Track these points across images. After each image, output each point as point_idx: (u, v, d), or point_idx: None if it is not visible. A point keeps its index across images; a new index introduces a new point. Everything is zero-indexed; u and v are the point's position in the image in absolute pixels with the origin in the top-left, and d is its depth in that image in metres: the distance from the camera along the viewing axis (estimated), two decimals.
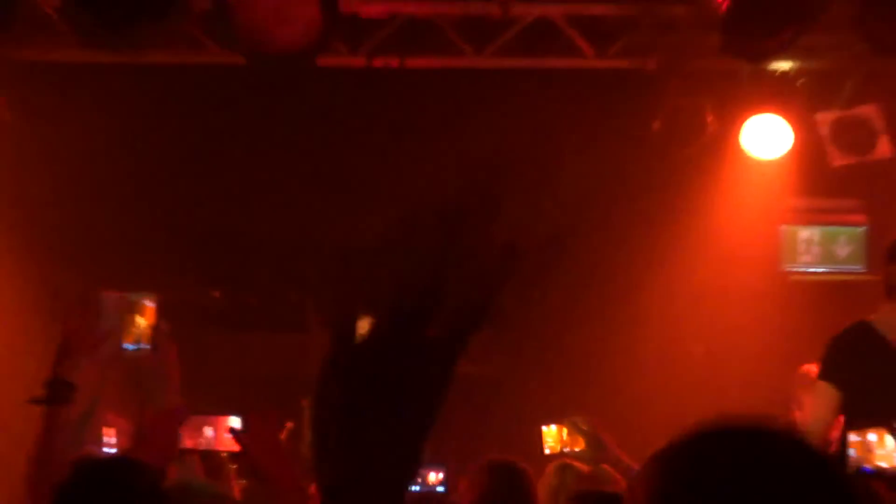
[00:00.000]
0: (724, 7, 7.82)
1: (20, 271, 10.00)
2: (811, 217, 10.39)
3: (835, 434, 7.41)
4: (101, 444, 6.72)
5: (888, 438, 6.52)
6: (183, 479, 5.69)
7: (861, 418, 6.92)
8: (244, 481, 7.86)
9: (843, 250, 10.26)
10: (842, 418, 7.62)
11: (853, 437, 6.64)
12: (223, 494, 6.20)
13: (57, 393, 5.17)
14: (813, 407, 7.91)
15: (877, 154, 9.56)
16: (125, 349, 5.62)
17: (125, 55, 8.16)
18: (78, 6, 7.82)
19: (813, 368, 8.36)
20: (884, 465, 6.38)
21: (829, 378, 7.76)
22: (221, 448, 6.09)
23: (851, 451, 6.59)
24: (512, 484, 6.29)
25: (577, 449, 7.37)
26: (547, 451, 7.47)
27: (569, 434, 7.40)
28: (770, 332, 10.01)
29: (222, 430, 5.96)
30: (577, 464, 7.18)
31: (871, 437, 6.60)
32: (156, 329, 5.69)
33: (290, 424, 8.51)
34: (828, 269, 10.29)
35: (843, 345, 7.84)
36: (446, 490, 7.66)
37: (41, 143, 9.67)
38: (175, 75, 9.08)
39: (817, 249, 10.30)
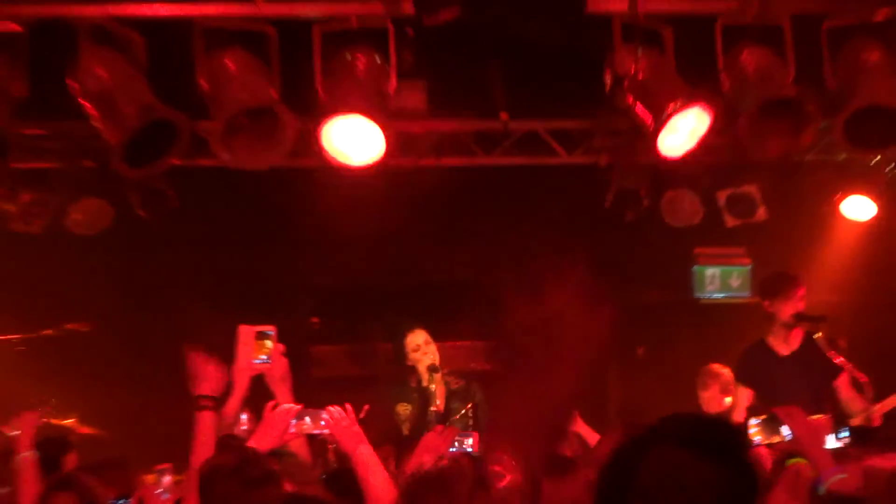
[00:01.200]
0: (652, 126, 7.90)
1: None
2: (714, 260, 10.98)
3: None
4: (238, 428, 6.96)
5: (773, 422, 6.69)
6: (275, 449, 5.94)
7: (761, 408, 7.47)
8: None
9: (735, 282, 10.88)
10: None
11: (753, 421, 6.86)
12: (294, 454, 6.32)
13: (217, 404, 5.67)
14: (736, 404, 8.88)
15: (756, 217, 10.21)
16: (254, 363, 6.17)
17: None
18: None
19: (716, 368, 9.46)
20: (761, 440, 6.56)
21: (743, 382, 8.86)
22: (317, 431, 6.20)
23: (752, 430, 7.00)
24: None
25: None
26: None
27: None
28: (688, 338, 10.85)
29: (317, 419, 6.15)
30: None
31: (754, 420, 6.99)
32: (274, 349, 6.19)
33: (367, 406, 8.85)
34: (725, 296, 10.90)
35: (749, 358, 8.91)
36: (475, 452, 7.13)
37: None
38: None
39: (718, 282, 10.94)
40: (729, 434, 2.65)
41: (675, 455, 2.54)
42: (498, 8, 8.18)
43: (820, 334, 8.81)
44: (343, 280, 10.51)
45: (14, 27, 7.51)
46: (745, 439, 2.48)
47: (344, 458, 8.10)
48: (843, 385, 8.71)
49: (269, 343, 6.27)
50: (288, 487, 5.05)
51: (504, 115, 9.06)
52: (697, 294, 11.07)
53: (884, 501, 4.91)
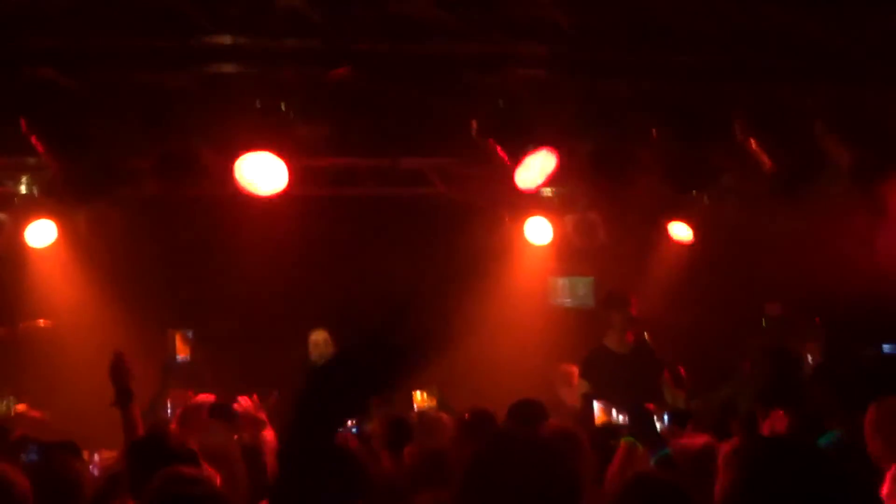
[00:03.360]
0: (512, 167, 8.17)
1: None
2: (564, 272, 10.95)
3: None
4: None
5: (613, 410, 7.29)
6: None
7: (602, 399, 7.73)
8: None
9: (581, 292, 10.86)
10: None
11: (596, 404, 7.54)
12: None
13: None
14: (578, 389, 8.84)
15: (598, 239, 10.47)
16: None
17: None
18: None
19: (571, 368, 9.31)
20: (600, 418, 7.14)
21: (585, 377, 8.86)
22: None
23: (595, 412, 7.51)
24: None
25: (431, 404, 8.37)
26: (415, 405, 8.29)
27: (428, 395, 8.43)
28: (545, 335, 10.52)
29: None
30: (430, 413, 7.86)
31: (596, 403, 7.51)
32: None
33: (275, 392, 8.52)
34: (573, 302, 10.89)
35: (592, 358, 8.94)
36: (359, 431, 7.29)
37: None
38: None
39: (567, 291, 10.94)
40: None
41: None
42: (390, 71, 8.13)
43: (646, 336, 8.96)
44: (257, 289, 10.30)
45: None
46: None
47: None
48: (666, 381, 8.71)
49: (188, 343, 6.26)
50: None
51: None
52: (552, 300, 11.09)
53: (690, 474, 4.96)
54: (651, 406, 6.78)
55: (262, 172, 7.97)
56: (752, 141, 8.06)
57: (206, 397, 6.57)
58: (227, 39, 7.42)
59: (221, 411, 6.20)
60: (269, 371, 9.67)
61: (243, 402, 6.18)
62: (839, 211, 9.04)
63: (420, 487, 5.04)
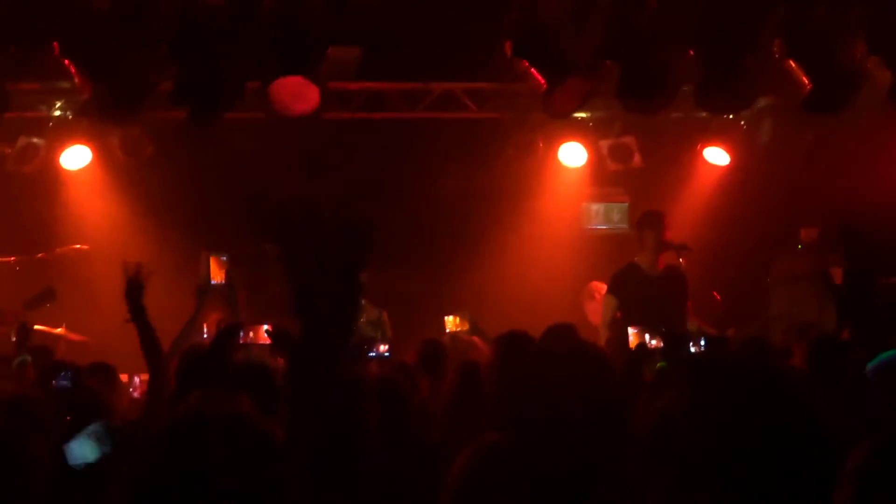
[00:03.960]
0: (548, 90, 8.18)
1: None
2: (598, 197, 10.81)
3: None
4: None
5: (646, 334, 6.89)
6: None
7: (630, 320, 7.67)
8: None
9: (616, 216, 10.73)
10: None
11: (631, 330, 7.13)
12: None
13: None
14: (604, 309, 8.86)
15: (633, 164, 10.36)
16: (212, 283, 6.40)
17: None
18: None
19: (597, 284, 9.42)
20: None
21: (612, 293, 8.78)
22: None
23: (630, 336, 7.11)
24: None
25: (463, 329, 8.28)
26: (447, 330, 8.19)
27: (459, 320, 8.31)
28: (577, 261, 10.56)
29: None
30: (462, 336, 7.97)
31: (631, 329, 7.08)
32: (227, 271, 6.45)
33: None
34: (608, 227, 10.76)
35: (621, 274, 8.77)
36: (390, 355, 7.34)
37: None
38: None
39: (602, 216, 10.80)
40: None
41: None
42: None
43: (683, 260, 8.81)
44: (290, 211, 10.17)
45: None
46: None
47: None
48: (690, 310, 8.69)
49: (222, 267, 6.39)
50: None
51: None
52: (586, 225, 10.99)
53: None
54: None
55: (293, 94, 7.97)
56: (790, 61, 7.86)
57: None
58: None
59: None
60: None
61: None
62: (878, 133, 8.89)
63: (458, 408, 4.98)
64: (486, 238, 10.68)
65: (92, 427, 3.71)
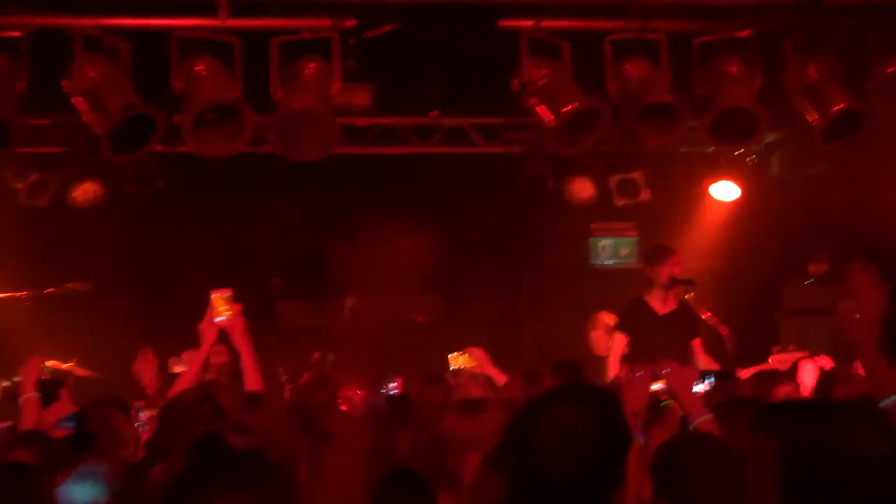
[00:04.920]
0: (554, 122, 7.98)
1: None
2: (606, 233, 10.89)
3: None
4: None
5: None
6: None
7: (638, 357, 7.37)
8: None
9: (624, 252, 10.83)
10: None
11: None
12: None
13: None
14: (613, 345, 8.74)
15: (641, 198, 10.22)
16: (217, 321, 6.08)
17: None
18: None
19: (603, 314, 9.27)
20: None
21: (621, 329, 8.72)
22: None
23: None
24: None
25: (470, 365, 8.09)
26: (451, 367, 8.08)
27: (466, 358, 8.13)
28: (585, 297, 10.41)
29: None
30: (464, 372, 7.83)
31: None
32: (233, 308, 6.03)
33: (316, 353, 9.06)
34: (615, 262, 10.85)
35: (630, 311, 8.74)
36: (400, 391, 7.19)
37: None
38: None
39: (610, 251, 10.89)
40: (606, 395, 2.71)
41: (568, 411, 2.57)
42: (428, 24, 8.09)
43: (692, 295, 8.74)
44: (298, 247, 10.24)
45: (16, 33, 7.46)
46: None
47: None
48: (696, 348, 8.59)
49: (227, 303, 6.11)
50: None
51: (435, 112, 9.16)
52: (593, 261, 11.02)
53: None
54: (691, 369, 6.70)
55: (304, 133, 7.93)
56: (799, 95, 7.86)
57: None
58: None
59: None
60: (309, 330, 9.74)
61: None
62: (889, 165, 8.84)
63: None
64: (495, 274, 10.75)
65: (84, 468, 3.75)
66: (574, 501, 2.51)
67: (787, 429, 2.69)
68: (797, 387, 6.86)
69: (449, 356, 8.10)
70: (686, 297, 8.77)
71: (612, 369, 8.46)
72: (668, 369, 5.21)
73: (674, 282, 8.65)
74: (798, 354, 8.11)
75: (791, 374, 7.16)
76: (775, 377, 6.65)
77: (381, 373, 7.67)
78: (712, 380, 6.65)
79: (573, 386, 2.89)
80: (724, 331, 8.51)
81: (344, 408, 5.51)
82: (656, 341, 8.20)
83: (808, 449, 2.62)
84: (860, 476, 2.43)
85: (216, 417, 4.60)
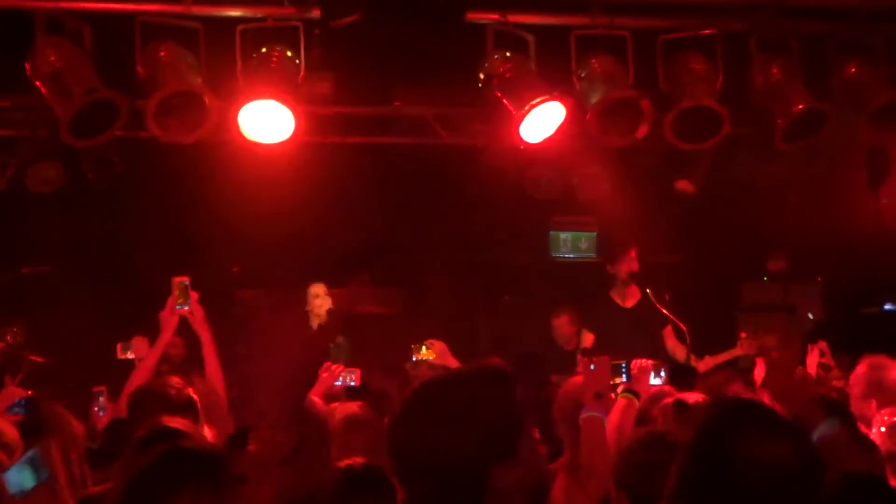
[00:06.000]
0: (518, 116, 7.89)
1: None
2: (566, 226, 11.03)
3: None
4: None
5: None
6: None
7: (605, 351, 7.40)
8: None
9: (584, 245, 10.97)
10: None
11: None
12: None
13: None
14: (581, 342, 8.87)
15: (602, 192, 10.17)
16: (177, 309, 6.17)
17: None
18: None
19: (568, 309, 9.45)
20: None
21: (587, 327, 8.88)
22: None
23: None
24: None
25: (430, 357, 8.21)
26: (413, 358, 8.14)
27: (427, 349, 8.21)
28: (545, 290, 10.66)
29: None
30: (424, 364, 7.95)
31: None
32: (192, 296, 6.08)
33: None
34: (575, 256, 10.99)
35: (595, 307, 8.91)
36: (359, 384, 7.21)
37: None
38: None
39: (570, 244, 11.02)
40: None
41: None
42: (394, 15, 7.91)
43: (649, 290, 8.83)
44: (260, 235, 10.18)
45: None
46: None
47: None
48: (667, 335, 8.76)
49: (186, 291, 6.14)
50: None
51: (398, 103, 9.10)
52: (553, 254, 11.10)
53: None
54: (650, 361, 6.74)
55: (266, 121, 7.79)
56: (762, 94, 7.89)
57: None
58: None
59: None
60: (267, 321, 9.62)
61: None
62: (847, 163, 8.93)
63: None
64: (456, 265, 10.81)
65: (29, 454, 3.71)
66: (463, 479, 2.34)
67: (695, 425, 2.66)
68: (752, 383, 7.00)
69: (412, 346, 8.14)
70: (646, 290, 8.86)
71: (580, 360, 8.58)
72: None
73: (633, 276, 8.80)
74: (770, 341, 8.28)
75: (749, 368, 7.22)
76: (730, 375, 6.68)
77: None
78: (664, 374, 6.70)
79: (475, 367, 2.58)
80: (682, 325, 8.62)
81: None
82: (624, 334, 8.39)
83: (705, 448, 2.58)
84: (754, 482, 2.44)
85: (189, 409, 4.54)
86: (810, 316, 9.80)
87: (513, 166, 10.01)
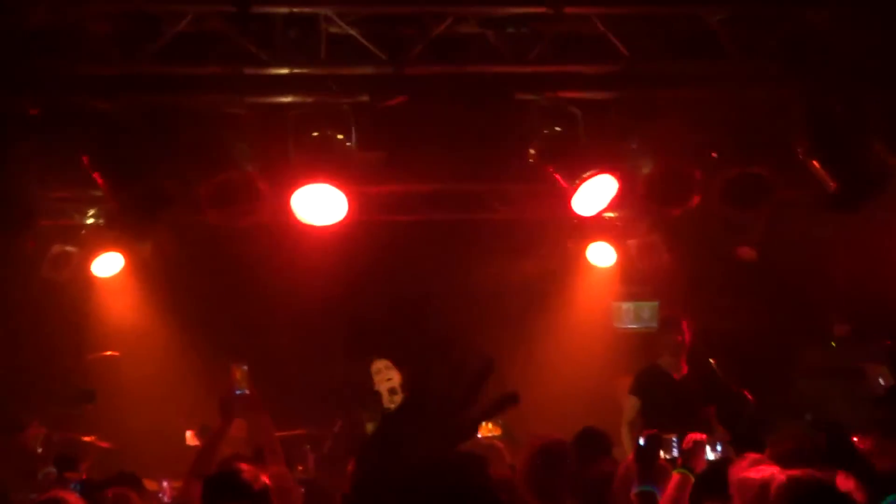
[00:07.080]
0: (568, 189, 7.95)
1: None
2: (628, 296, 10.88)
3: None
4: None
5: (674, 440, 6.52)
6: None
7: (652, 421, 7.61)
8: None
9: (645, 315, 10.77)
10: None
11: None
12: None
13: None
14: (626, 409, 8.88)
15: (661, 262, 10.27)
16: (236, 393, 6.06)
17: None
18: None
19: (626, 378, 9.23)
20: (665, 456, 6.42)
21: (634, 394, 8.85)
22: None
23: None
24: None
25: (495, 433, 8.42)
26: (479, 434, 8.82)
27: (493, 424, 8.48)
28: (608, 360, 10.69)
29: None
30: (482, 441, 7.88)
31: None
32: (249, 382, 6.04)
33: (339, 422, 9.45)
34: (638, 326, 10.80)
35: (644, 375, 8.90)
36: None
37: None
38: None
39: (632, 315, 10.86)
40: None
41: None
42: (444, 95, 8.06)
43: (712, 362, 8.72)
44: (312, 313, 10.25)
45: (32, 111, 7.45)
46: None
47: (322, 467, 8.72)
48: (709, 413, 8.52)
49: (245, 377, 6.08)
50: None
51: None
52: (616, 324, 10.99)
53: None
54: (703, 435, 6.49)
55: (320, 203, 7.89)
56: (814, 161, 7.81)
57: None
58: (283, 70, 7.43)
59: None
60: (329, 400, 9.76)
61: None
62: None
63: None
64: (519, 338, 10.67)
65: None
66: None
67: None
68: None
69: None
70: (711, 361, 8.75)
71: (625, 431, 8.67)
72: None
73: (682, 347, 8.80)
74: None
75: None
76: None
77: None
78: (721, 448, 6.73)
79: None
80: (750, 396, 8.48)
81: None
82: (668, 405, 8.36)
83: None
84: None
85: (263, 498, 4.56)
86: (881, 381, 9.52)
87: (571, 239, 10.17)
